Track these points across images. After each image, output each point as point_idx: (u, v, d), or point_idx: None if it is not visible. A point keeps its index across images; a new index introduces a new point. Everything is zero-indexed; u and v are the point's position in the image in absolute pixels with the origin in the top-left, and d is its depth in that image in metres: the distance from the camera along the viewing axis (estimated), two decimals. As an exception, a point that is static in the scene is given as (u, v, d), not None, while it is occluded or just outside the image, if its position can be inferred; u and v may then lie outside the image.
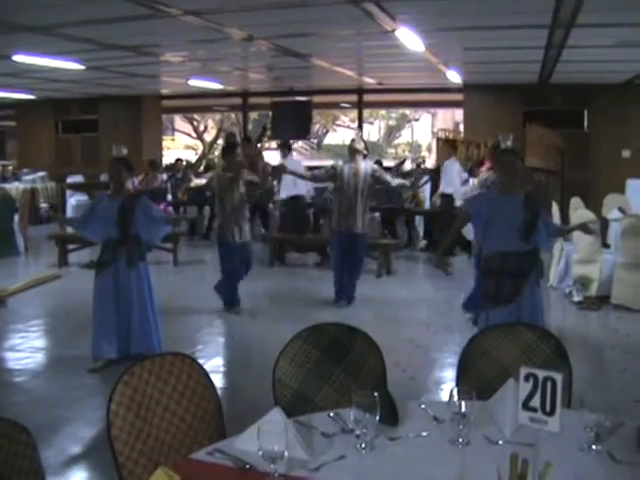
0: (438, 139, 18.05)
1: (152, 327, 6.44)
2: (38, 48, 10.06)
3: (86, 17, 7.99)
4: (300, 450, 2.35)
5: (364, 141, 8.77)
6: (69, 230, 9.35)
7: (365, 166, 8.39)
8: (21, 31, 8.70)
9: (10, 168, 18.81)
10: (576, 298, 8.54)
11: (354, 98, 18.83)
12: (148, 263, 6.49)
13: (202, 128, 33.09)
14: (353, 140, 8.60)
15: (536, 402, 2.12)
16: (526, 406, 2.14)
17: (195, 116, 31.70)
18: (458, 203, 10.42)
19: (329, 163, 9.40)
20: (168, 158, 20.76)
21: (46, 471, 2.48)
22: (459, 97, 17.14)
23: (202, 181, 15.53)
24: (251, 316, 8.02)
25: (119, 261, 6.31)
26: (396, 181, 9.02)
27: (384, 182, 8.62)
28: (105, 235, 6.39)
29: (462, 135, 17.55)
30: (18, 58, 10.72)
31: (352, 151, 8.42)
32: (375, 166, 8.87)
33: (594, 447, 2.39)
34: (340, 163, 8.58)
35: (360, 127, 18.25)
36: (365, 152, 8.54)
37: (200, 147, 32.52)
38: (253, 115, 25.60)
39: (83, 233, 6.86)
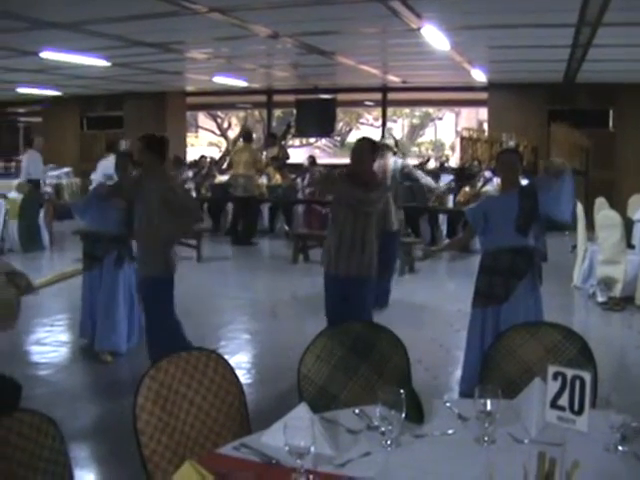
0: (462, 138, 18.02)
1: (126, 325, 6.57)
2: (65, 45, 10.16)
3: (112, 14, 8.07)
4: (326, 446, 2.37)
5: (394, 138, 8.62)
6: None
7: (395, 162, 8.13)
8: (48, 28, 8.79)
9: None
10: (600, 299, 8.47)
11: (378, 96, 18.81)
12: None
13: (226, 125, 33.18)
14: (382, 137, 8.47)
15: (564, 401, 2.11)
16: (554, 405, 2.12)
17: (219, 113, 31.80)
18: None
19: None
20: (192, 155, 20.84)
21: (72, 463, 2.51)
22: (483, 96, 17.07)
23: (225, 177, 15.55)
24: (274, 313, 8.01)
25: (108, 258, 6.41)
26: (426, 179, 8.87)
27: (414, 179, 8.51)
28: (104, 227, 6.43)
29: (486, 134, 17.50)
30: (45, 55, 10.83)
31: (381, 147, 8.10)
32: (406, 162, 8.73)
33: (620, 448, 2.38)
34: None
35: (384, 125, 18.23)
36: (395, 149, 8.39)
37: (224, 144, 32.60)
38: (277, 112, 25.60)
39: (81, 219, 7.19)
